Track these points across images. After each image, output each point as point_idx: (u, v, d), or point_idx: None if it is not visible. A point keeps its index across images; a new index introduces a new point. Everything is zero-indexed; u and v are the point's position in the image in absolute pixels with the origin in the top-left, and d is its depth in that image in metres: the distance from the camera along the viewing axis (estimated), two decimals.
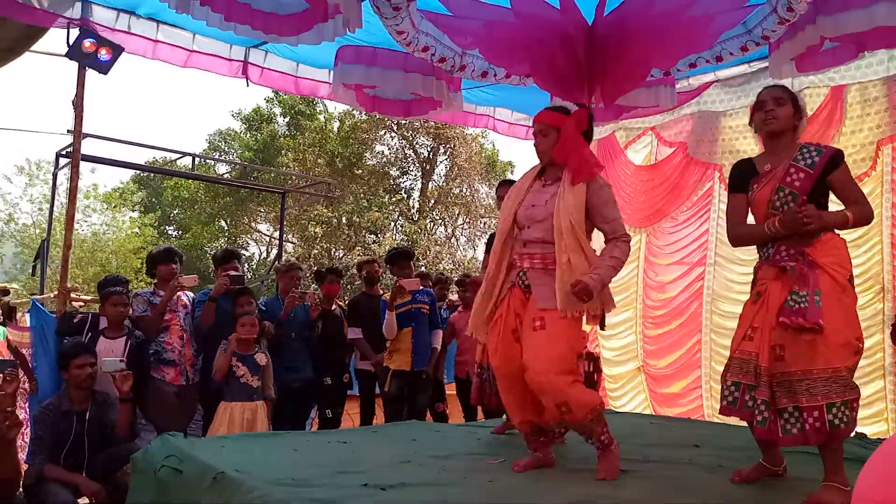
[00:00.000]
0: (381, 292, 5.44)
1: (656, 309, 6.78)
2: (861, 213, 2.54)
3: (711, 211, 6.39)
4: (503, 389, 2.94)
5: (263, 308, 4.98)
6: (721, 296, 6.15)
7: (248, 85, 5.41)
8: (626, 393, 7.03)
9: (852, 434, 2.42)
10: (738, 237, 2.78)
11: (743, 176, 2.76)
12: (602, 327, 2.96)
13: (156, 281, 4.77)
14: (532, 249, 2.86)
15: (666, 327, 6.70)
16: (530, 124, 6.87)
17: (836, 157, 2.57)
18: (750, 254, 5.75)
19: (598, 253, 2.83)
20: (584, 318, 2.84)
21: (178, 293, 4.67)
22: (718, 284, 6.18)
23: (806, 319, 2.35)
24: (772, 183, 2.61)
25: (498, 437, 3.76)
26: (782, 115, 2.65)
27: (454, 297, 6.49)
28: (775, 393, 2.43)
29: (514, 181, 3.98)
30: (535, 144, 2.99)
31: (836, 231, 2.56)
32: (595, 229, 2.89)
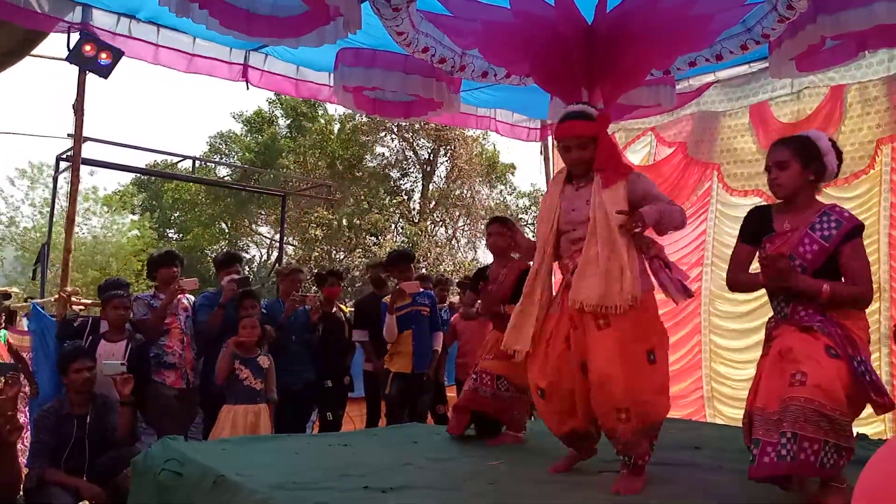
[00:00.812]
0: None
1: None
2: (849, 293, 2.39)
3: (710, 211, 6.40)
4: (546, 400, 2.80)
5: (265, 311, 4.99)
6: (718, 296, 6.15)
7: (248, 88, 5.42)
8: None
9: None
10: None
11: (756, 229, 2.63)
12: (690, 296, 2.78)
13: (156, 284, 4.77)
14: (582, 246, 2.77)
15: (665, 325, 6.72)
16: (531, 125, 6.94)
17: (853, 233, 2.43)
18: None
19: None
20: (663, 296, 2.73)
21: (179, 296, 4.67)
22: (716, 285, 6.18)
23: (882, 397, 2.33)
24: (785, 248, 2.49)
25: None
26: (786, 181, 2.50)
27: (455, 298, 6.50)
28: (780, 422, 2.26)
29: (506, 218, 3.98)
30: (568, 156, 2.89)
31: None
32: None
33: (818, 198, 2.59)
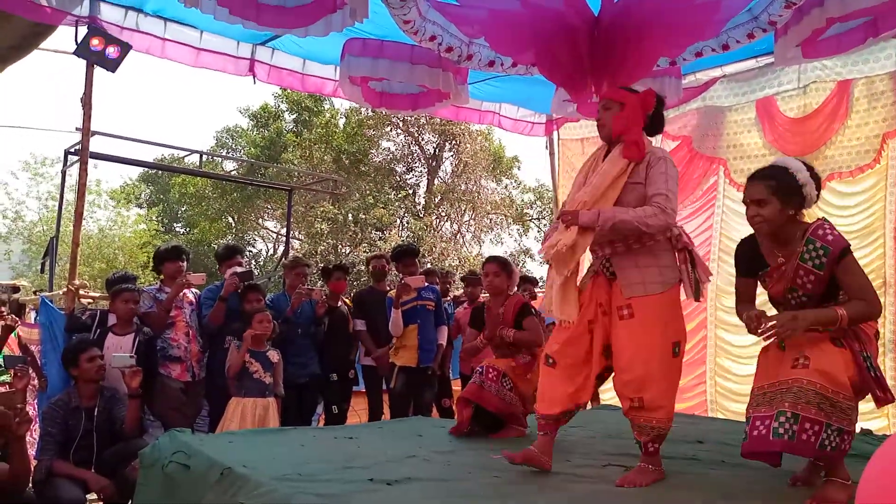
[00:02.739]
0: (388, 288, 5.45)
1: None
2: (860, 312, 2.36)
3: (716, 206, 6.39)
4: (553, 377, 2.81)
5: (270, 304, 5.01)
6: (724, 291, 6.15)
7: (255, 82, 5.43)
8: None
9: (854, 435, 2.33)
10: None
11: (748, 263, 2.64)
12: (697, 298, 2.79)
13: (162, 277, 4.79)
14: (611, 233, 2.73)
15: None
16: (536, 120, 6.93)
17: (842, 255, 2.40)
18: None
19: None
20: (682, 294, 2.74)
21: (185, 291, 4.70)
22: (722, 280, 6.18)
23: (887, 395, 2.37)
24: (783, 283, 2.50)
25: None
26: (768, 217, 2.45)
27: (458, 292, 6.49)
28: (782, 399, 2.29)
29: (502, 259, 4.08)
30: (597, 120, 2.92)
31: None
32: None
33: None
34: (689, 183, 6.40)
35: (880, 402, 2.41)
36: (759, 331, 2.40)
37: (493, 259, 4.06)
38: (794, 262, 2.45)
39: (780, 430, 2.21)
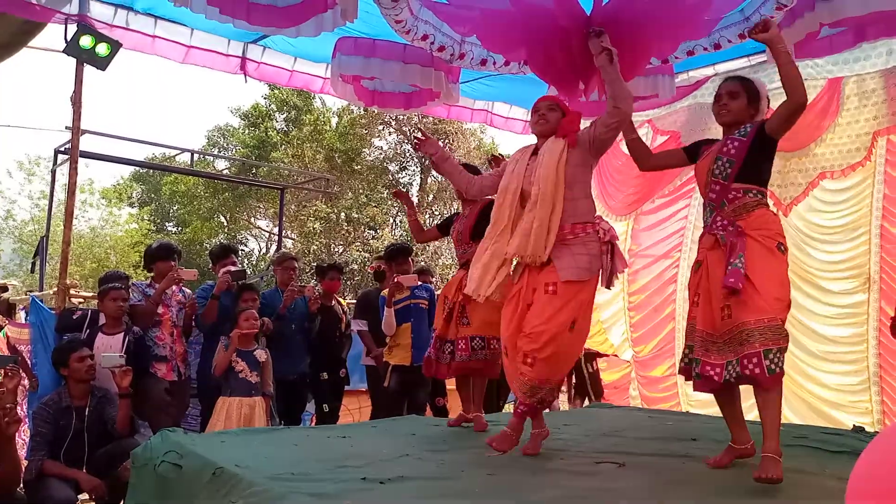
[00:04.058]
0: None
1: (637, 294, 6.88)
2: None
3: (693, 197, 6.44)
4: (508, 358, 3.06)
5: (263, 301, 5.00)
6: None
7: (246, 80, 5.41)
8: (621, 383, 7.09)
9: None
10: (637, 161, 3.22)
11: (697, 146, 3.03)
12: (609, 286, 3.07)
13: (153, 275, 4.76)
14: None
15: (643, 311, 6.84)
16: (527, 118, 6.93)
17: (764, 122, 2.77)
18: None
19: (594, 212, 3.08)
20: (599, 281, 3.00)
21: (174, 287, 4.68)
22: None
23: (734, 282, 2.54)
24: (712, 154, 2.83)
25: (496, 430, 3.77)
26: (734, 108, 2.82)
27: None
28: (721, 349, 2.62)
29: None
30: (538, 116, 3.18)
31: (768, 206, 2.78)
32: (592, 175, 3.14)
33: None
34: (668, 173, 6.44)
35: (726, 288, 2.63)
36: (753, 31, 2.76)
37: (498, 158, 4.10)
38: (724, 138, 2.84)
39: (727, 375, 2.57)
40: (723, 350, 2.61)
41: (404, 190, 4.22)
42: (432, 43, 4.26)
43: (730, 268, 2.58)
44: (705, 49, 4.40)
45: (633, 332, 6.93)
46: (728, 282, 2.55)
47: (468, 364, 3.66)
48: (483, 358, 3.64)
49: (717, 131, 5.57)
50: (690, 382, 2.80)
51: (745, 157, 2.73)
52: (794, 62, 2.68)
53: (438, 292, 6.05)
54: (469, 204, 3.91)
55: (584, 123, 3.18)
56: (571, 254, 2.93)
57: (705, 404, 5.72)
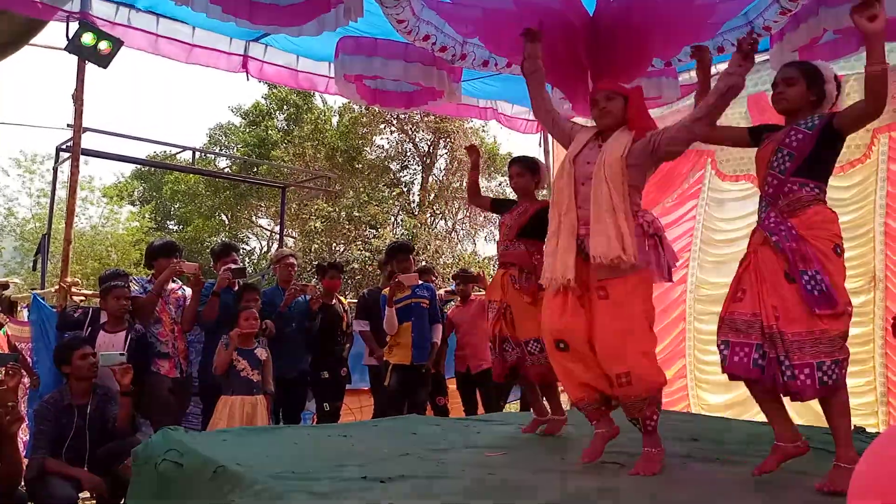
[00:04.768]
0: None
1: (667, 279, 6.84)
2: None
3: (700, 198, 6.42)
4: (564, 360, 2.85)
5: (264, 299, 5.01)
6: (703, 282, 6.18)
7: (247, 79, 5.40)
8: None
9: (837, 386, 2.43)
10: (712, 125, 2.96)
11: (761, 129, 2.86)
12: (670, 279, 2.95)
13: (153, 272, 4.76)
14: (588, 212, 2.82)
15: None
16: (531, 117, 6.92)
17: (833, 115, 2.62)
18: (732, 234, 5.78)
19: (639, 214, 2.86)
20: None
21: (174, 287, 4.68)
22: (702, 271, 6.21)
23: (832, 308, 2.42)
24: (772, 144, 2.68)
25: (499, 431, 3.77)
26: (791, 95, 2.69)
27: (441, 291, 6.47)
28: (772, 346, 2.48)
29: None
30: (600, 109, 2.98)
31: (825, 202, 2.62)
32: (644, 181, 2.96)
33: None
34: (678, 176, 6.43)
35: (823, 319, 2.48)
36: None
37: (516, 160, 3.90)
38: (788, 128, 2.67)
39: (782, 377, 2.44)
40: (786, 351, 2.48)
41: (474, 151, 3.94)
42: (434, 43, 4.25)
43: (821, 289, 2.42)
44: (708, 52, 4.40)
45: None
46: (828, 308, 2.41)
47: (536, 368, 3.51)
48: (546, 361, 3.35)
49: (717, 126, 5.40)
50: (698, 388, 2.72)
51: (809, 150, 2.58)
52: (884, 69, 2.45)
53: (440, 292, 6.09)
54: (527, 201, 3.72)
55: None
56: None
57: (718, 409, 5.71)
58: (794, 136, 2.62)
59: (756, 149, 2.82)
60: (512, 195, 4.03)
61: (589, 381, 2.83)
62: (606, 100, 2.97)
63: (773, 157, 2.65)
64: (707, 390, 6.20)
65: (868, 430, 3.87)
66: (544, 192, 4.24)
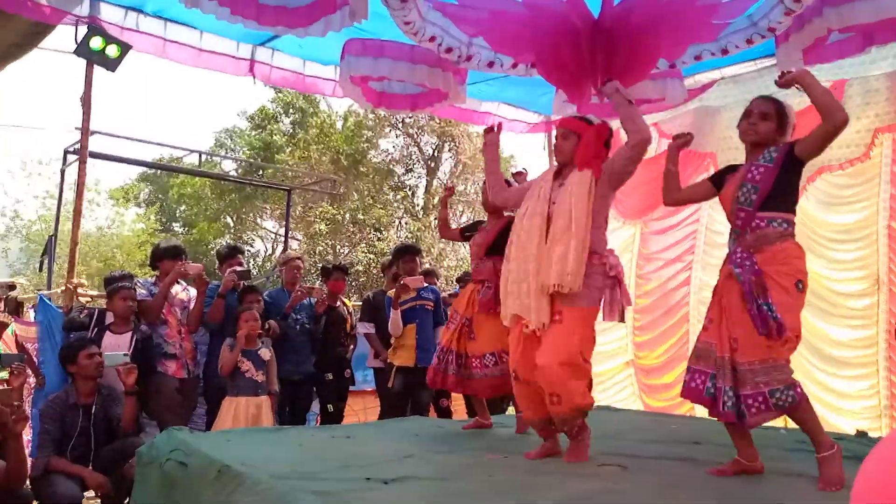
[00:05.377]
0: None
1: (647, 297, 6.83)
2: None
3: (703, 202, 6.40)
4: (517, 386, 3.12)
5: (269, 300, 5.02)
6: (707, 285, 6.17)
7: (254, 83, 5.43)
8: (611, 387, 7.00)
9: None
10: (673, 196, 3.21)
11: (722, 174, 2.97)
12: (622, 320, 3.10)
13: (158, 274, 4.79)
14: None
15: (653, 314, 6.77)
16: (534, 120, 6.94)
17: (792, 144, 2.70)
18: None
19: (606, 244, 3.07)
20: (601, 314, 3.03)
21: (178, 290, 4.71)
22: (706, 274, 6.21)
23: (780, 335, 2.53)
24: (736, 181, 2.78)
25: (499, 432, 3.79)
26: (763, 130, 2.78)
27: (444, 294, 6.47)
28: (737, 380, 2.59)
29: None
30: (555, 146, 3.17)
31: (793, 237, 2.69)
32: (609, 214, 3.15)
33: None
34: (681, 179, 6.41)
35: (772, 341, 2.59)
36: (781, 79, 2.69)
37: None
38: (748, 164, 2.78)
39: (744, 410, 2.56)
40: (736, 381, 2.59)
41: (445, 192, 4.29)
42: (440, 45, 4.27)
43: (761, 312, 2.53)
44: (713, 54, 4.40)
45: (637, 336, 6.88)
46: (763, 332, 2.52)
47: (488, 381, 3.70)
48: (500, 374, 3.64)
49: (719, 132, 5.56)
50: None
51: (773, 182, 2.67)
52: (824, 89, 2.64)
53: (444, 294, 6.10)
54: (494, 217, 3.93)
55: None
56: None
57: None
58: (756, 171, 2.71)
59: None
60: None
61: (536, 405, 3.08)
62: (562, 138, 3.14)
63: (739, 192, 2.73)
64: None
65: (871, 433, 3.86)
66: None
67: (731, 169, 2.94)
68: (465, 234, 4.21)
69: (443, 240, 19.10)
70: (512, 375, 3.14)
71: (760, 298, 2.54)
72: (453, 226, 4.50)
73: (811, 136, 2.64)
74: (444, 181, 20.43)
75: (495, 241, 3.76)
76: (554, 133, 3.21)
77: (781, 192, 2.68)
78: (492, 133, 3.64)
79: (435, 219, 19.82)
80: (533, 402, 3.08)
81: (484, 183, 4.07)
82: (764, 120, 2.78)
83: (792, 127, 2.83)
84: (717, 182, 2.96)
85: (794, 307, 2.61)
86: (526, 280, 2.99)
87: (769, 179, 2.67)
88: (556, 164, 3.28)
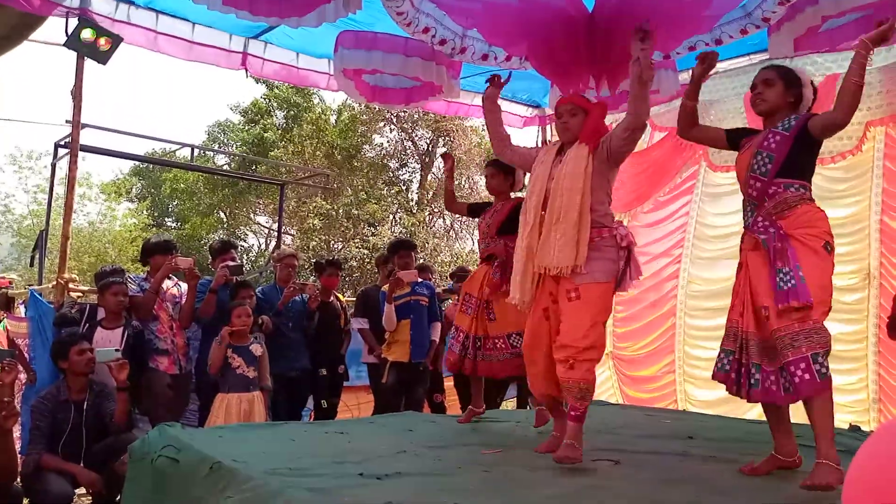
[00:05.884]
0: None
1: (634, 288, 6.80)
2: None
3: (694, 193, 6.39)
4: (528, 362, 3.10)
5: (262, 296, 4.99)
6: (696, 277, 6.18)
7: (247, 76, 5.40)
8: None
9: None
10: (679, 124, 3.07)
11: (739, 133, 2.92)
12: (625, 290, 3.10)
13: (149, 269, 4.76)
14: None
15: (636, 306, 6.73)
16: (528, 114, 6.92)
17: (811, 115, 2.69)
18: (725, 230, 5.77)
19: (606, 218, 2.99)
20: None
21: (170, 286, 4.68)
22: (694, 266, 6.20)
23: (798, 300, 2.45)
24: (752, 148, 2.72)
25: (493, 427, 3.78)
26: (770, 96, 2.74)
27: (439, 290, 6.46)
28: (765, 358, 2.54)
29: (496, 159, 4.01)
30: (561, 123, 3.11)
31: (812, 201, 2.65)
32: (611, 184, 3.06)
33: None
34: (671, 170, 6.41)
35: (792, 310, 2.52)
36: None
37: (493, 162, 4.05)
38: (766, 131, 2.72)
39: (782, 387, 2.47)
40: (773, 357, 2.52)
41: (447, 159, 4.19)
42: (433, 36, 4.25)
43: (790, 284, 2.45)
44: (707, 45, 4.39)
45: (618, 328, 6.78)
46: (795, 300, 2.43)
47: (516, 361, 3.58)
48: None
49: (712, 121, 5.55)
50: (687, 383, 2.77)
51: (787, 151, 2.62)
52: (860, 83, 2.59)
53: (439, 290, 6.09)
54: (502, 199, 3.92)
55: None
56: (589, 259, 2.90)
57: (706, 405, 5.70)
58: (773, 139, 2.66)
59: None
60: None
61: (547, 386, 3.05)
62: (570, 115, 3.08)
63: (754, 161, 2.68)
64: (696, 386, 6.20)
65: (868, 430, 3.87)
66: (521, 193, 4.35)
67: (749, 133, 2.88)
68: (473, 209, 4.16)
69: (437, 237, 19.10)
70: (527, 362, 3.12)
71: (785, 266, 2.48)
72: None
73: (823, 117, 2.63)
74: (439, 176, 20.41)
75: (505, 221, 3.76)
76: (548, 126, 3.17)
77: (796, 162, 2.63)
78: (491, 87, 3.57)
79: (429, 214, 19.82)
80: (544, 380, 3.05)
81: (486, 166, 4.08)
82: (769, 86, 2.74)
83: (810, 88, 2.80)
84: (732, 140, 2.90)
85: (824, 270, 2.54)
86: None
87: (784, 149, 2.62)
88: (551, 141, 3.27)
